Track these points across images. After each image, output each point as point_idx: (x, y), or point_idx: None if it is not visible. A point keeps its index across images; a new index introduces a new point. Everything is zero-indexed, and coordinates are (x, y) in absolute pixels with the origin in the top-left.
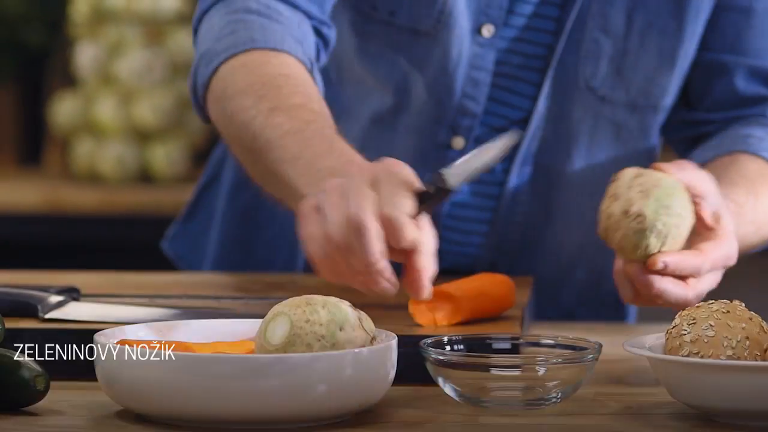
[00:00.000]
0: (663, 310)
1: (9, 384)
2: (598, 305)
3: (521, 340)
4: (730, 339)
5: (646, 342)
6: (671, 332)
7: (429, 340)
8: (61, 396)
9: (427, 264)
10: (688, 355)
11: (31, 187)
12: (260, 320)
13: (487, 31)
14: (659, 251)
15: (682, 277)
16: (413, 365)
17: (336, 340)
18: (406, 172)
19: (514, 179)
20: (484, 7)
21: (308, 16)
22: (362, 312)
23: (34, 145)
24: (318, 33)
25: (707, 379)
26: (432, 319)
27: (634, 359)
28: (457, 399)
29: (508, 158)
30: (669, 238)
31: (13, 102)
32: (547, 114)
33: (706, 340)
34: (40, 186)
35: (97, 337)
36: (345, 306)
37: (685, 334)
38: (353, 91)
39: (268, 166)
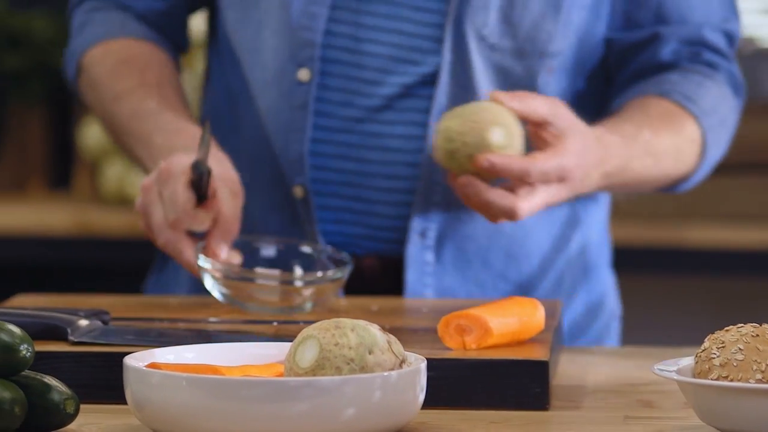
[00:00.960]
0: (689, 332)
1: (39, 407)
2: (523, 262)
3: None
4: (760, 362)
5: (676, 365)
6: (700, 356)
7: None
8: (90, 419)
9: (223, 234)
10: (717, 379)
11: (60, 210)
12: (289, 343)
13: None
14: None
15: (512, 190)
16: (442, 388)
17: (365, 363)
18: (179, 169)
19: (431, 139)
20: None
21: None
22: (391, 335)
23: (64, 168)
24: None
25: (736, 403)
26: (461, 342)
27: (664, 382)
28: (223, 302)
29: (422, 122)
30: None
31: (42, 126)
32: (451, 68)
33: (735, 364)
34: (70, 209)
35: (126, 360)
36: (374, 329)
37: (714, 358)
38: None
39: (126, 146)
